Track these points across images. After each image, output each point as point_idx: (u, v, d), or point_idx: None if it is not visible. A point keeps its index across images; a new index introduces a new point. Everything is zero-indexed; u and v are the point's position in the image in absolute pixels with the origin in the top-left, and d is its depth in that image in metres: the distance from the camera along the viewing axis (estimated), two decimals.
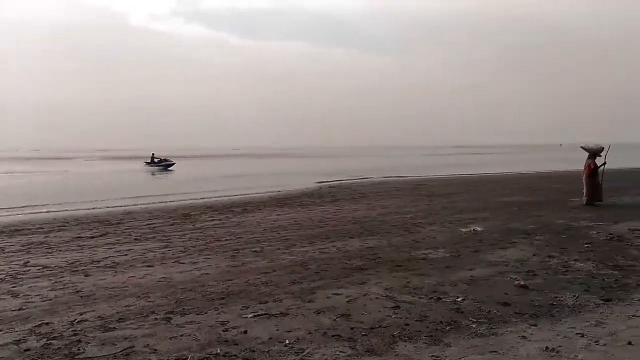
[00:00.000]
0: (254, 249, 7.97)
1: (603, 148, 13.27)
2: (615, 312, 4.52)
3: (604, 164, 13.14)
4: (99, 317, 4.78)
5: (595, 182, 12.92)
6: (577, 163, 42.01)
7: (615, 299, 4.94)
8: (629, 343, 3.80)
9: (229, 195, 18.73)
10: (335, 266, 6.66)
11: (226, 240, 8.96)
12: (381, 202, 14.89)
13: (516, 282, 5.62)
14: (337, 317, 4.61)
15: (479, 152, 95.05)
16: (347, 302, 5.06)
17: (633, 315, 4.41)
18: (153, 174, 38.32)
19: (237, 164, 50.75)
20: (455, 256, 7.19)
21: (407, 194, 17.08)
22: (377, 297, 5.20)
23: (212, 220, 11.73)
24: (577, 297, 5.04)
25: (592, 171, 12.90)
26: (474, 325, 4.34)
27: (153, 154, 45.57)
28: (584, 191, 13.06)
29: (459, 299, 5.08)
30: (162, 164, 42.41)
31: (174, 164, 42.11)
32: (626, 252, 7.14)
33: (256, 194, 19.37)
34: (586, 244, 7.85)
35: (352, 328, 4.33)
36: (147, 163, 43.74)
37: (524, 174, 29.01)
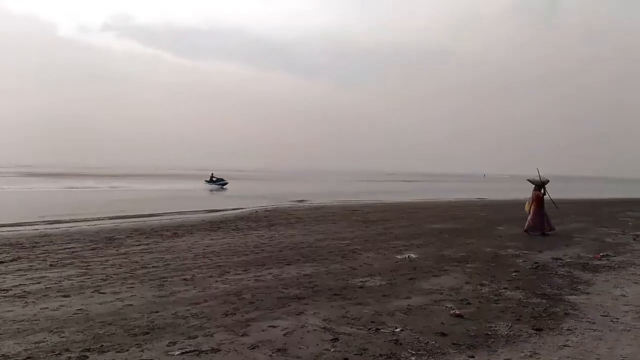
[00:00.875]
0: (184, 277, 7.48)
1: (548, 180, 14.08)
2: (547, 342, 4.63)
3: (544, 194, 13.85)
4: (2, 356, 4.17)
5: (544, 212, 13.61)
6: (499, 193, 44.80)
7: (546, 329, 5.08)
8: None
9: (159, 218, 17.81)
10: (271, 295, 6.38)
11: (153, 267, 8.36)
12: (317, 227, 14.78)
13: (452, 312, 5.65)
14: (273, 353, 4.34)
15: (410, 179, 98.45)
16: (284, 335, 4.80)
17: (564, 345, 4.54)
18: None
19: (171, 184, 48.70)
20: (392, 284, 7.16)
21: (343, 220, 17.13)
22: (315, 329, 4.99)
23: (139, 244, 10.98)
24: (510, 326, 5.13)
25: (541, 202, 13.59)
26: (413, 358, 4.25)
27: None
28: (528, 220, 13.68)
29: (397, 330, 5.00)
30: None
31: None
32: (552, 281, 7.49)
33: (188, 216, 18.58)
34: (514, 272, 8.16)
35: None
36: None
37: (454, 202, 30.32)
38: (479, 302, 6.19)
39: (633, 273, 8.12)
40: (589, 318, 5.48)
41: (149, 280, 7.30)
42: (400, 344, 4.60)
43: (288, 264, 8.63)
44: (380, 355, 4.31)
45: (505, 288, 6.97)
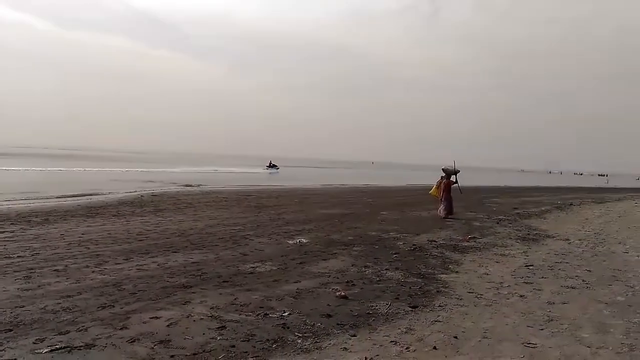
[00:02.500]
0: (55, 268, 6.79)
1: (459, 171, 15.98)
2: (421, 319, 5.05)
3: (456, 182, 15.77)
4: None
5: (451, 198, 15.37)
6: (384, 180, 47.50)
7: (420, 306, 5.53)
8: (434, 348, 4.24)
9: (27, 202, 15.92)
10: (154, 285, 6.07)
11: (18, 257, 7.46)
12: (209, 212, 14.39)
13: (337, 293, 5.89)
14: (155, 345, 4.14)
15: (301, 165, 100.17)
16: (168, 326, 4.61)
17: (435, 321, 4.98)
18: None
19: (43, 165, 43.73)
20: (283, 269, 7.25)
21: (235, 205, 16.88)
22: (202, 318, 4.86)
23: (2, 232, 9.74)
24: (390, 305, 5.50)
25: (449, 189, 15.36)
26: (299, 341, 4.36)
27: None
28: (442, 206, 15.27)
29: (286, 314, 5.08)
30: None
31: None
32: (427, 261, 8.16)
33: (63, 201, 16.87)
34: (395, 254, 8.74)
35: (172, 356, 3.93)
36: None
37: (343, 188, 31.50)
38: (363, 283, 6.53)
39: (495, 253, 9.18)
40: (457, 295, 6.08)
41: (14, 272, 6.50)
42: (288, 327, 4.69)
43: (175, 252, 8.28)
44: (267, 340, 4.34)
45: (386, 269, 7.44)
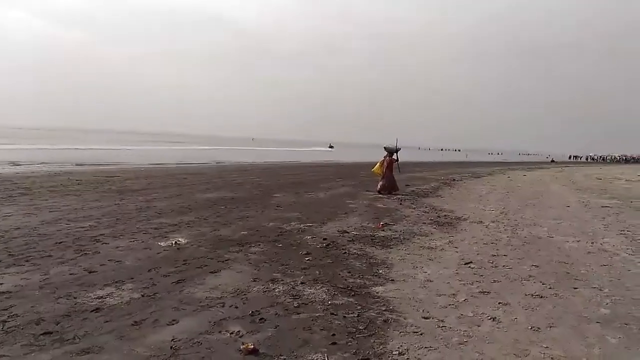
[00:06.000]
0: None
1: (400, 148, 16.29)
2: None
3: (397, 160, 16.06)
4: None
5: (392, 175, 15.56)
6: (267, 156, 45.37)
7: (372, 356, 3.59)
8: None
9: None
10: None
11: None
12: (51, 201, 10.92)
13: (242, 346, 3.68)
14: None
15: (173, 141, 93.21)
16: None
17: None
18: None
19: None
20: (149, 296, 4.79)
21: (91, 190, 13.39)
22: None
23: None
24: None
25: (391, 166, 15.58)
26: None
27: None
28: (382, 183, 15.37)
29: None
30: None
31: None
32: (349, 265, 6.29)
33: None
34: (306, 255, 6.75)
35: None
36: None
37: (225, 166, 28.71)
38: (276, 314, 4.41)
39: (420, 246, 7.68)
40: (412, 324, 4.28)
41: None
42: None
43: None
44: None
45: (302, 283, 5.41)
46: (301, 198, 13.51)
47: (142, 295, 4.80)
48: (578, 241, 8.52)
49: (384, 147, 16.39)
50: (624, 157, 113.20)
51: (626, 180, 26.20)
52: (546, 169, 43.51)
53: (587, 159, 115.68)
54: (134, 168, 22.90)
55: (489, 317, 4.50)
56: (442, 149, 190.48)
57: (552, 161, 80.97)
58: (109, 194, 12.61)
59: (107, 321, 4.12)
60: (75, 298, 4.66)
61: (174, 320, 4.19)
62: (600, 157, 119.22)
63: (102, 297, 4.72)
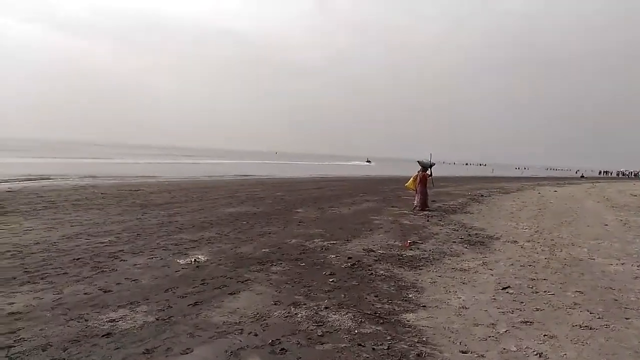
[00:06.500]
0: None
1: (434, 163, 16.05)
2: None
3: (431, 175, 15.72)
4: None
5: (426, 191, 15.20)
6: (292, 171, 45.34)
7: None
8: None
9: None
10: None
11: None
12: (74, 215, 10.86)
13: None
14: None
15: (191, 154, 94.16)
16: None
17: None
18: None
19: None
20: (164, 320, 4.50)
21: (114, 203, 13.36)
22: None
23: None
24: None
25: (425, 181, 15.12)
26: None
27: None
28: (417, 199, 15.00)
29: None
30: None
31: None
32: (377, 288, 5.89)
33: None
34: (330, 276, 6.38)
35: None
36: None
37: (249, 180, 28.63)
38: (298, 344, 4.05)
39: (453, 268, 7.21)
40: None
41: None
42: None
43: None
44: None
45: (326, 308, 5.04)
46: (324, 213, 13.16)
47: (157, 319, 4.52)
48: (622, 264, 7.91)
49: (418, 162, 16.07)
50: None
51: None
52: (577, 185, 42.05)
53: (617, 174, 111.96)
54: (157, 182, 22.98)
55: (535, 353, 4.03)
56: (466, 164, 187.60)
57: (582, 176, 78.46)
58: (132, 208, 12.52)
59: (117, 348, 3.83)
60: (86, 321, 4.41)
61: (188, 349, 3.87)
62: (631, 172, 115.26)
63: (114, 320, 4.45)
